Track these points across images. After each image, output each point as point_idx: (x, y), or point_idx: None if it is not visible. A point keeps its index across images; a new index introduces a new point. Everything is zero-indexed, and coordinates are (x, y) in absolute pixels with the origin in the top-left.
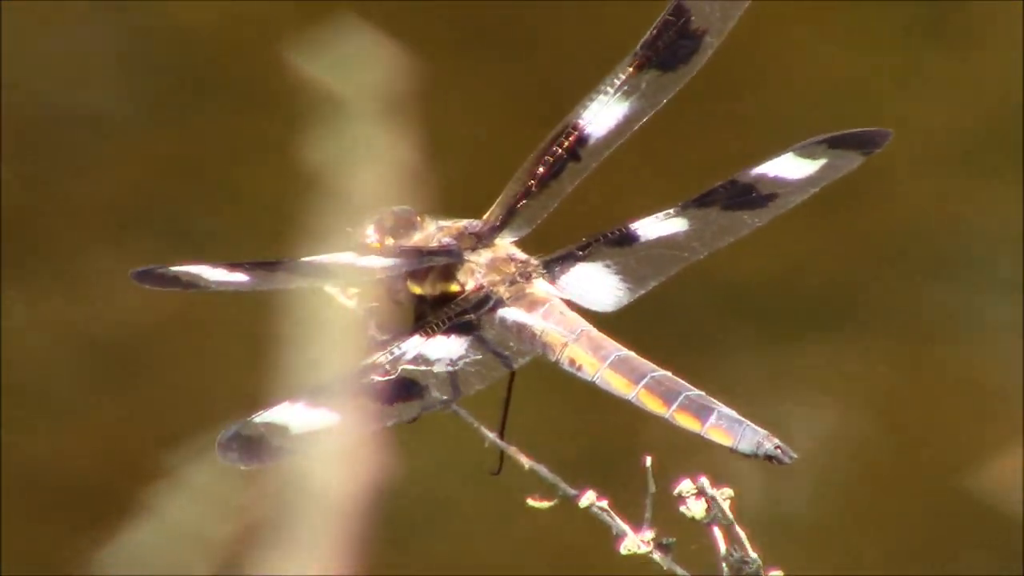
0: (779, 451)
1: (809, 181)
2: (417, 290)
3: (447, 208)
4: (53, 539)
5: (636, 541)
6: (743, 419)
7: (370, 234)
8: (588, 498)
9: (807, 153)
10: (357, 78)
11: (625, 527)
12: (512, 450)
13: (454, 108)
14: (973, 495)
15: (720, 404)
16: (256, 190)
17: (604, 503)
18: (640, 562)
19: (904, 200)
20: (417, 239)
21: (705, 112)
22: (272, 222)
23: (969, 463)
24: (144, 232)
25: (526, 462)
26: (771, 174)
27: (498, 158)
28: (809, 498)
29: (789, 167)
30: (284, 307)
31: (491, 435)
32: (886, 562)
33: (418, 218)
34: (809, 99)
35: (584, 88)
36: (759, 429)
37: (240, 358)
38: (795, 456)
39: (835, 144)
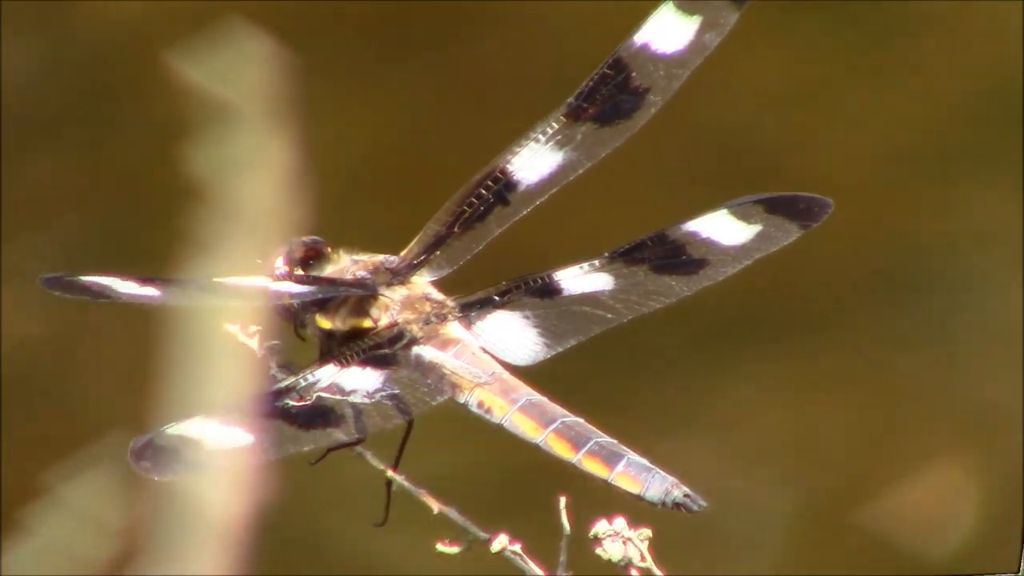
0: (688, 499)
1: (742, 251)
2: (326, 324)
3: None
4: None
5: None
6: (652, 466)
7: (279, 264)
8: (500, 542)
9: (742, 215)
10: (242, 83)
11: (539, 571)
12: (421, 493)
13: (346, 110)
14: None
15: (631, 451)
16: (139, 199)
17: (517, 547)
18: None
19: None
20: (330, 271)
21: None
22: (156, 232)
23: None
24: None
25: (435, 505)
26: (703, 234)
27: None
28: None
29: (722, 228)
30: (178, 337)
31: (399, 478)
32: None
33: (329, 250)
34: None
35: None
36: (668, 476)
37: (124, 381)
38: (704, 504)
39: (772, 208)
